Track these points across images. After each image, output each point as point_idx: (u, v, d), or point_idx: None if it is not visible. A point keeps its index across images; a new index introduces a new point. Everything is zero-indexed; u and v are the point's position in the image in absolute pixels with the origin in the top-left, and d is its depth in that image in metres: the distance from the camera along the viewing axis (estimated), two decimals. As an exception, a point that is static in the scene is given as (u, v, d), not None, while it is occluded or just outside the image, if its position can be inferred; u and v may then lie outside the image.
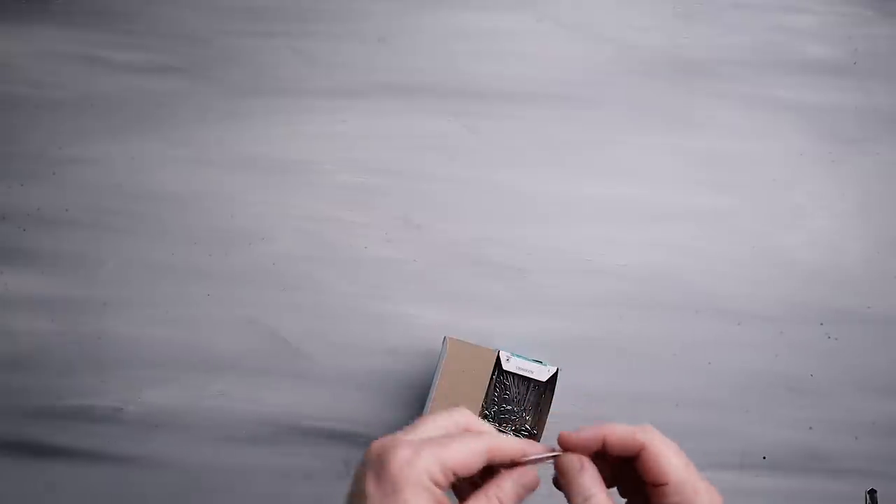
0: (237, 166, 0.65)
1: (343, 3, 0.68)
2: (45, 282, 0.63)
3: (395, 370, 0.62)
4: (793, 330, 0.64)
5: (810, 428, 0.63)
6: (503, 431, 0.56)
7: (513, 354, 0.57)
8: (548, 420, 0.54)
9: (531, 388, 0.56)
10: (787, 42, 0.68)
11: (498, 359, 0.56)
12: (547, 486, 0.35)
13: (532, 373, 0.56)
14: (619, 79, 0.67)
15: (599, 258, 0.64)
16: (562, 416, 0.56)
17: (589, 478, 0.33)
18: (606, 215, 0.65)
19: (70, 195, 0.64)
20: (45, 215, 0.64)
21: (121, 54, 0.66)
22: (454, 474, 0.31)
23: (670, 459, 0.33)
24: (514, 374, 0.56)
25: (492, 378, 0.56)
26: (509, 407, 0.56)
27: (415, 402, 0.62)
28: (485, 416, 0.58)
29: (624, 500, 0.37)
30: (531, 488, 0.34)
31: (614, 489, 0.36)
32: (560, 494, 0.34)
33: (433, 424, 0.34)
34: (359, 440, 0.61)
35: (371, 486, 0.31)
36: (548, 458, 0.35)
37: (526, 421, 0.55)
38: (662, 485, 0.32)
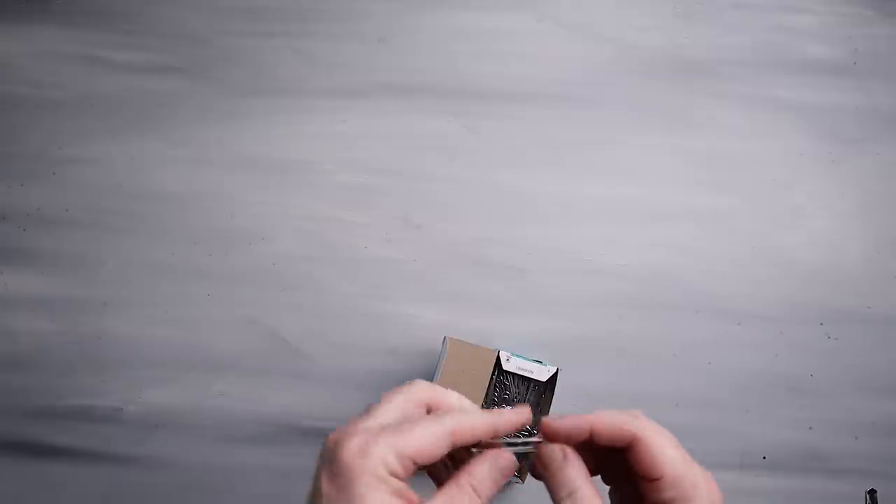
0: (237, 166, 0.65)
1: (343, 3, 0.68)
2: (45, 282, 0.63)
3: (395, 370, 0.62)
4: (793, 330, 0.64)
5: (810, 428, 0.63)
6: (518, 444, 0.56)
7: (513, 354, 0.57)
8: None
9: (531, 388, 0.56)
10: (787, 42, 0.68)
11: (498, 359, 0.56)
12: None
13: (532, 373, 0.56)
14: (619, 79, 0.67)
15: (599, 258, 0.64)
16: (562, 416, 0.56)
17: (573, 470, 0.30)
18: (606, 215, 0.65)
19: (70, 195, 0.64)
20: (45, 215, 0.64)
21: (121, 54, 0.66)
22: (414, 462, 0.29)
23: (665, 452, 0.30)
24: (514, 374, 0.56)
25: (492, 378, 0.56)
26: (509, 407, 0.56)
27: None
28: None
29: (608, 488, 0.35)
30: (509, 472, 0.31)
31: (598, 476, 0.34)
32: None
33: (391, 405, 0.31)
34: (359, 440, 0.61)
35: (325, 483, 0.28)
36: (526, 444, 0.33)
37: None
38: (656, 479, 0.29)
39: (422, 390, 0.32)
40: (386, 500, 0.27)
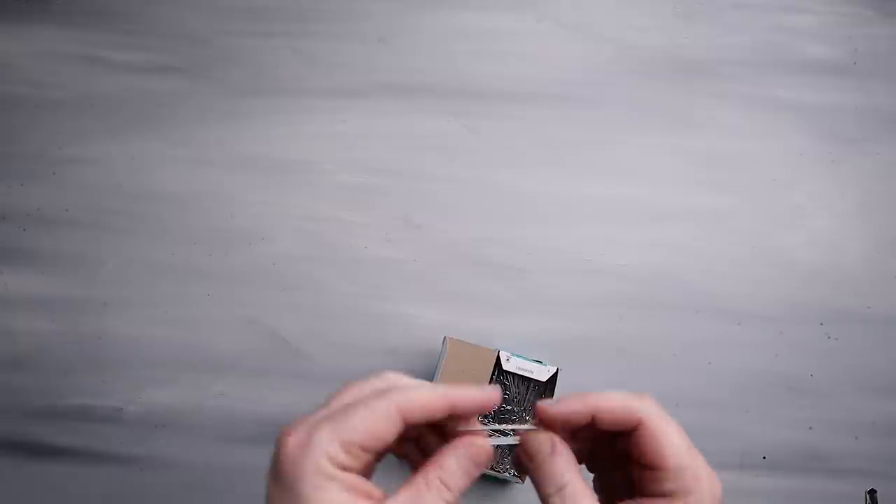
0: (237, 166, 0.65)
1: (343, 3, 0.68)
2: (45, 282, 0.63)
3: (395, 370, 0.62)
4: (793, 330, 0.64)
5: (810, 428, 0.63)
6: (503, 433, 0.57)
7: (513, 354, 0.57)
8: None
9: (531, 388, 0.56)
10: (787, 42, 0.68)
11: (498, 359, 0.56)
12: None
13: (532, 373, 0.56)
14: (619, 79, 0.67)
15: (599, 258, 0.64)
16: (562, 416, 0.56)
17: (563, 462, 0.28)
18: (606, 215, 0.65)
19: (70, 195, 0.64)
20: (45, 215, 0.64)
21: (121, 54, 0.66)
22: (363, 449, 0.26)
23: (672, 440, 0.27)
24: (514, 374, 0.56)
25: (492, 378, 0.56)
26: (509, 407, 0.56)
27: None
28: (485, 416, 0.58)
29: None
30: (483, 462, 0.28)
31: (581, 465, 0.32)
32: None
33: (348, 394, 0.28)
34: (359, 440, 0.61)
35: (271, 486, 0.26)
36: (512, 433, 0.30)
37: (526, 421, 0.55)
38: (657, 469, 0.27)
39: (385, 381, 0.29)
40: (336, 499, 0.24)
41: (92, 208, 0.64)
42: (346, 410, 0.26)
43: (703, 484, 0.27)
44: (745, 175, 0.66)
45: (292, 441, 0.25)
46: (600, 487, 0.32)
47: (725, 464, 0.62)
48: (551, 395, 0.55)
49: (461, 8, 0.68)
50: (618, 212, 0.65)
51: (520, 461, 0.29)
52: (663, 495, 0.27)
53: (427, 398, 0.27)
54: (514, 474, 0.58)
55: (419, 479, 0.27)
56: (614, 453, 0.30)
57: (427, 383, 0.28)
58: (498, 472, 0.58)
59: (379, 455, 0.28)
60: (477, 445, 0.28)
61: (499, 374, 0.56)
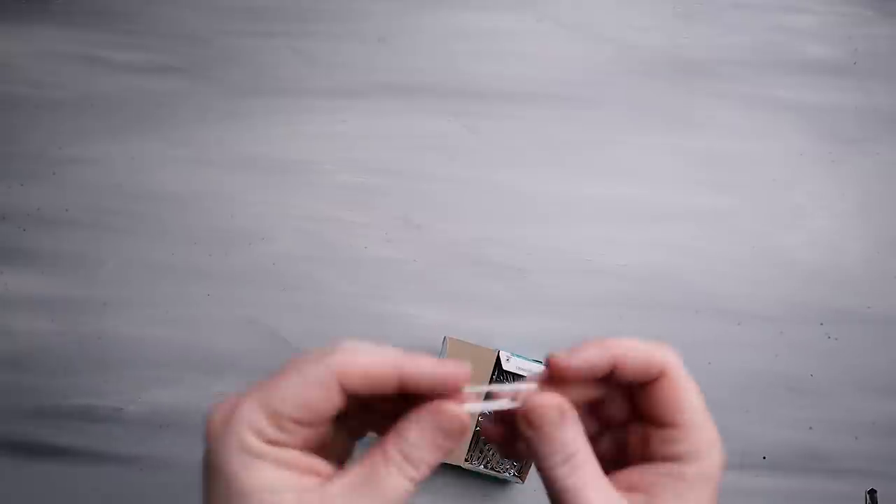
0: (237, 166, 0.65)
1: (343, 3, 0.68)
2: (45, 282, 0.63)
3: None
4: (793, 330, 0.64)
5: (810, 428, 0.63)
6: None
7: (513, 354, 0.57)
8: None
9: (531, 388, 0.56)
10: (787, 42, 0.68)
11: (498, 359, 0.56)
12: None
13: (532, 373, 0.56)
14: (619, 79, 0.67)
15: (599, 258, 0.64)
16: (562, 416, 0.56)
17: (572, 430, 0.24)
18: (606, 215, 0.65)
19: (70, 195, 0.64)
20: (45, 215, 0.64)
21: (121, 54, 0.66)
22: (295, 421, 0.22)
23: (692, 396, 0.25)
24: (514, 374, 0.56)
25: (492, 378, 0.56)
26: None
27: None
28: (484, 417, 0.58)
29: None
30: (456, 432, 0.24)
31: None
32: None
33: (291, 364, 0.24)
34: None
35: (203, 468, 0.23)
36: (501, 397, 0.25)
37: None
38: (669, 426, 0.24)
39: (338, 344, 0.24)
40: (267, 479, 0.21)
41: (92, 208, 0.64)
42: (277, 378, 0.23)
43: (716, 449, 0.24)
44: (745, 175, 0.66)
45: (217, 417, 0.23)
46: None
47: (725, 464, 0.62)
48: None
49: (461, 8, 0.68)
50: (618, 212, 0.65)
51: (521, 429, 0.25)
52: (673, 458, 0.24)
53: (370, 364, 0.23)
54: (515, 474, 0.58)
55: (376, 453, 0.23)
56: (612, 412, 0.26)
57: (381, 349, 0.24)
58: (498, 472, 0.58)
59: (330, 428, 0.24)
60: (447, 412, 0.23)
61: (499, 374, 0.56)
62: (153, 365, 0.62)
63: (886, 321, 0.64)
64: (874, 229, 0.66)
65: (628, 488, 0.24)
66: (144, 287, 0.63)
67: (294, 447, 0.22)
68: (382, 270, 0.64)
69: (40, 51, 0.66)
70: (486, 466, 0.58)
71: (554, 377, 0.25)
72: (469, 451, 0.57)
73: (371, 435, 0.28)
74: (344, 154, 0.65)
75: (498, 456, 0.59)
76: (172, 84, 0.66)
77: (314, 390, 0.22)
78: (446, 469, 0.59)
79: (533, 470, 0.57)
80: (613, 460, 0.26)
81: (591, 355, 0.24)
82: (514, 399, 0.25)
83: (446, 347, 0.56)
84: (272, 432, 0.22)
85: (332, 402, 0.23)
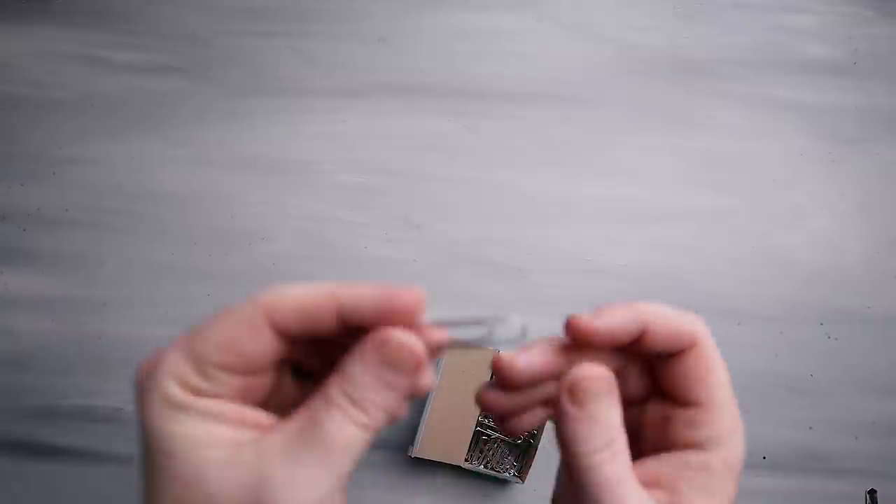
0: (237, 166, 0.65)
1: (343, 3, 0.68)
2: (45, 282, 0.63)
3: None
4: (793, 330, 0.64)
5: (810, 428, 0.63)
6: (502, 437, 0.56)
7: (513, 354, 0.57)
8: (548, 421, 0.54)
9: (531, 388, 0.56)
10: (787, 42, 0.68)
11: (498, 359, 0.56)
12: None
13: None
14: (619, 79, 0.67)
15: (599, 258, 0.64)
16: (562, 416, 0.56)
17: (616, 411, 0.21)
18: (606, 215, 0.65)
19: (70, 195, 0.64)
20: (45, 215, 0.64)
21: (121, 54, 0.66)
22: (222, 368, 0.19)
23: (722, 376, 0.22)
24: (514, 374, 0.56)
25: (492, 378, 0.56)
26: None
27: (415, 402, 0.62)
28: (485, 417, 0.58)
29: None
30: (408, 365, 0.20)
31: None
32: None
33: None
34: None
35: (140, 426, 0.20)
36: (479, 325, 0.21)
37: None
38: (693, 405, 0.22)
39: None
40: (191, 433, 0.19)
41: (92, 208, 0.64)
42: (203, 324, 0.20)
43: (739, 438, 0.22)
44: (745, 175, 0.66)
45: (143, 368, 0.20)
46: None
47: (725, 464, 0.62)
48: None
49: (461, 8, 0.68)
50: (618, 212, 0.65)
51: (512, 400, 0.22)
52: (695, 445, 0.22)
53: (301, 297, 0.20)
54: (515, 474, 0.58)
55: (318, 398, 0.20)
56: (624, 389, 0.23)
57: (316, 283, 0.21)
58: (498, 472, 0.58)
59: (267, 375, 0.21)
60: (391, 341, 0.20)
61: (499, 374, 0.56)
62: (153, 365, 0.62)
63: (886, 321, 0.64)
64: (874, 229, 0.66)
65: (648, 483, 0.21)
66: (144, 287, 0.63)
67: (226, 398, 0.20)
68: (382, 270, 0.64)
69: (40, 51, 0.66)
70: (486, 466, 0.58)
71: (575, 343, 0.22)
72: (469, 451, 0.57)
73: None
74: (344, 154, 0.65)
75: (498, 456, 0.59)
76: (172, 84, 0.66)
77: (240, 331, 0.20)
78: (446, 469, 0.59)
79: (533, 470, 0.57)
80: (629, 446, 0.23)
81: (619, 319, 0.21)
82: (487, 330, 0.21)
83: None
84: (198, 382, 0.19)
85: (262, 344, 0.20)
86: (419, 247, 0.64)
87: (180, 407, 0.19)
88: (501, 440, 0.59)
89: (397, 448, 0.59)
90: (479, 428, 0.57)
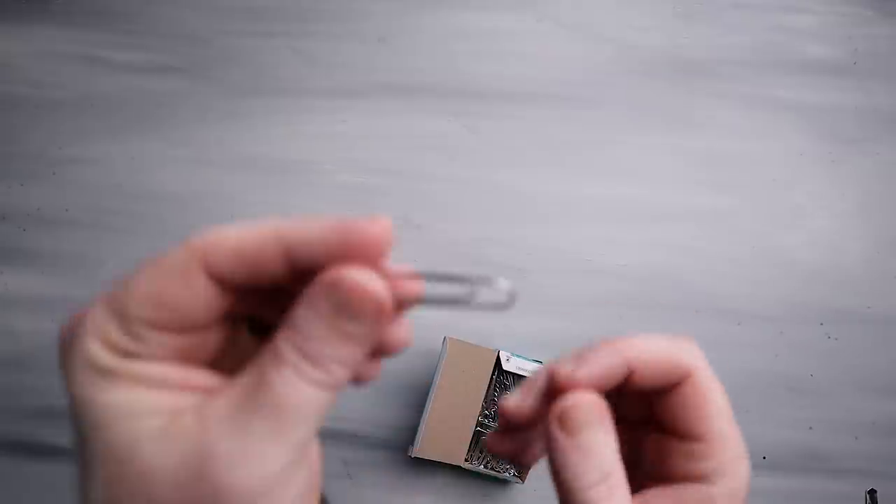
0: (237, 166, 0.65)
1: (343, 3, 0.68)
2: (45, 282, 0.63)
3: (395, 370, 0.62)
4: (793, 330, 0.64)
5: (810, 428, 0.63)
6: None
7: (513, 354, 0.57)
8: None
9: (531, 388, 0.56)
10: (787, 42, 0.68)
11: (498, 359, 0.56)
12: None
13: (532, 373, 0.56)
14: (619, 79, 0.67)
15: (599, 258, 0.64)
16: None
17: (611, 443, 0.20)
18: (606, 215, 0.65)
19: (70, 195, 0.64)
20: (45, 215, 0.64)
21: (121, 54, 0.66)
22: (153, 325, 0.17)
23: (721, 406, 0.21)
24: (514, 374, 0.56)
25: (492, 378, 0.56)
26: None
27: (415, 402, 0.62)
28: (485, 417, 0.58)
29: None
30: (367, 313, 0.17)
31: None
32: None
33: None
34: (358, 440, 0.61)
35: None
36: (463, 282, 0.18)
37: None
38: (693, 439, 0.21)
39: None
40: (123, 401, 0.16)
41: (92, 208, 0.64)
42: (129, 275, 0.17)
43: (743, 467, 0.21)
44: (745, 175, 0.66)
45: (65, 330, 0.18)
46: None
47: (725, 464, 0.62)
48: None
49: (461, 8, 0.68)
50: (618, 212, 0.65)
51: (519, 440, 0.21)
52: (698, 478, 0.21)
53: (242, 237, 0.17)
54: (515, 474, 0.58)
55: (266, 354, 0.17)
56: (620, 420, 0.22)
57: (259, 220, 0.18)
58: (498, 472, 0.58)
59: (210, 332, 0.18)
60: (345, 281, 0.16)
61: (499, 374, 0.56)
62: (153, 365, 0.62)
63: (886, 321, 0.64)
64: (874, 229, 0.66)
65: None
66: (144, 287, 0.63)
67: (162, 359, 0.17)
68: (382, 270, 0.64)
69: (40, 51, 0.66)
70: (486, 466, 0.58)
71: (562, 390, 0.20)
72: (469, 451, 0.57)
73: None
74: (344, 154, 0.65)
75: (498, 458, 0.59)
76: (172, 84, 0.66)
77: (171, 282, 0.17)
78: (446, 469, 0.59)
79: (533, 470, 0.57)
80: (627, 475, 0.22)
81: (602, 364, 0.20)
82: (470, 290, 0.18)
83: (446, 347, 0.56)
84: (126, 342, 0.17)
85: (198, 296, 0.17)
86: (419, 247, 0.64)
87: (107, 372, 0.17)
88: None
89: (397, 448, 0.59)
90: (479, 428, 0.57)
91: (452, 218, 0.65)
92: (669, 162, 0.66)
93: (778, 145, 0.67)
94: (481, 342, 0.58)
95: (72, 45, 0.66)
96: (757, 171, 0.66)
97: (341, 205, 0.64)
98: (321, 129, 0.66)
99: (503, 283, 0.19)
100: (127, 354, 0.17)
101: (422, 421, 0.55)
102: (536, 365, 0.57)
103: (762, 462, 0.62)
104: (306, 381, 0.16)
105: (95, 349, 0.17)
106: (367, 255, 0.17)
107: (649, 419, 0.22)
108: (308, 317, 0.17)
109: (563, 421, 0.20)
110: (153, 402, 0.16)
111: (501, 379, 0.56)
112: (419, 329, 0.65)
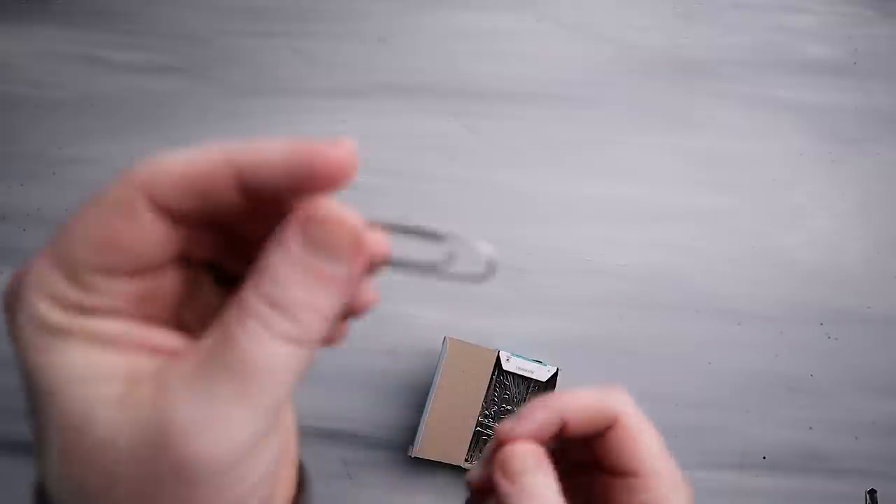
0: (237, 166, 0.65)
1: (343, 3, 0.68)
2: (45, 282, 0.63)
3: (395, 370, 0.62)
4: (793, 330, 0.64)
5: (810, 428, 0.63)
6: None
7: (513, 354, 0.57)
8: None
9: (531, 388, 0.56)
10: (787, 42, 0.68)
11: (498, 359, 0.56)
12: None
13: (532, 373, 0.56)
14: (619, 79, 0.67)
15: (599, 258, 0.64)
16: (562, 416, 0.56)
17: (552, 486, 0.22)
18: (606, 215, 0.65)
19: (70, 195, 0.64)
20: (45, 215, 0.64)
21: (121, 54, 0.66)
22: (103, 273, 0.15)
23: (649, 442, 0.23)
24: (514, 374, 0.56)
25: (492, 378, 0.56)
26: (509, 407, 0.56)
27: (415, 402, 0.62)
28: (485, 416, 0.58)
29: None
30: (345, 248, 0.15)
31: None
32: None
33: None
34: (358, 440, 0.61)
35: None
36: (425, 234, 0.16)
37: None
38: (629, 475, 0.23)
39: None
40: (76, 364, 0.15)
41: (92, 208, 0.64)
42: (70, 219, 0.15)
43: (681, 493, 0.23)
44: (745, 175, 0.66)
45: (9, 286, 0.15)
46: None
47: (725, 464, 0.62)
48: (551, 395, 0.55)
49: (461, 8, 0.68)
50: (618, 212, 0.65)
51: (489, 476, 0.23)
52: None
53: (188, 163, 0.15)
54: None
55: (231, 306, 0.15)
56: (569, 461, 0.25)
57: (207, 146, 0.16)
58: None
59: (162, 278, 0.16)
60: (320, 213, 0.15)
61: (499, 374, 0.56)
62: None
63: (886, 321, 0.64)
64: (874, 229, 0.66)
65: None
66: (144, 287, 0.63)
67: (120, 315, 0.15)
68: (382, 270, 0.64)
69: (40, 51, 0.66)
70: (486, 466, 0.58)
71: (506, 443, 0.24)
72: (469, 450, 0.57)
73: None
74: (344, 154, 0.65)
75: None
76: (172, 84, 0.66)
77: (115, 219, 0.15)
78: (446, 469, 0.59)
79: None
80: None
81: (538, 420, 0.23)
82: (447, 256, 0.17)
83: (446, 347, 0.56)
84: (76, 294, 0.15)
85: (146, 231, 0.15)
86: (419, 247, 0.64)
87: (58, 331, 0.15)
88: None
89: (397, 448, 0.59)
90: (479, 428, 0.57)
91: (452, 218, 0.65)
92: (669, 162, 0.66)
93: (778, 145, 0.67)
94: (481, 342, 0.58)
95: (72, 45, 0.66)
96: (757, 171, 0.66)
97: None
98: (321, 129, 0.66)
99: (484, 248, 0.16)
100: (80, 310, 0.15)
101: (422, 421, 0.55)
102: (536, 365, 0.57)
103: (762, 462, 0.62)
104: (276, 335, 0.14)
105: (44, 307, 0.15)
106: (331, 182, 0.15)
107: (595, 463, 0.25)
108: (277, 259, 0.15)
109: (504, 469, 0.22)
110: (110, 365, 0.15)
111: (501, 379, 0.56)
112: (419, 329, 0.66)
